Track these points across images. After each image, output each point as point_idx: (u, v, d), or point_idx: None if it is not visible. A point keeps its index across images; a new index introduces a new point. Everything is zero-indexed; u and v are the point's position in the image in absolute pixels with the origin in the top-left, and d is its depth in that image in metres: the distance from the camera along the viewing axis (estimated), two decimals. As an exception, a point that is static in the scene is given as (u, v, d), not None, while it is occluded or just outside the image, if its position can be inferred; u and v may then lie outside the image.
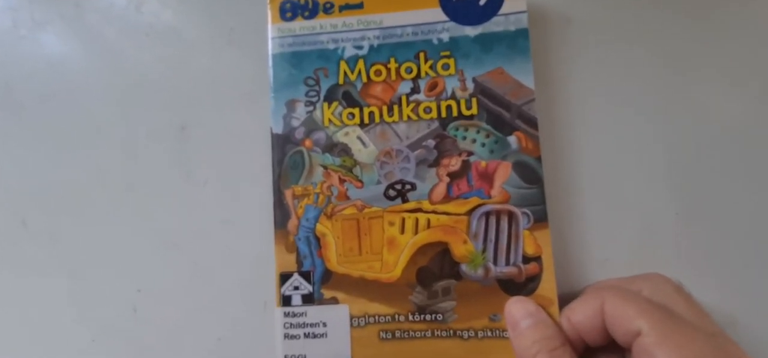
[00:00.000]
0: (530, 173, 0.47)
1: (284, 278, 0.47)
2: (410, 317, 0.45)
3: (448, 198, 0.47)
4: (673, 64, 0.48)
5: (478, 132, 0.47)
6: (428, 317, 0.45)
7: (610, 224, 0.48)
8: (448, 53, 0.47)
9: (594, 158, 0.49)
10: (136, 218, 0.48)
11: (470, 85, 0.47)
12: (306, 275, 0.47)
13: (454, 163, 0.47)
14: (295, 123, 0.48)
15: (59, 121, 0.49)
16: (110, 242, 0.48)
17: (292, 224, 0.48)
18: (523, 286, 0.46)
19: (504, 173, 0.47)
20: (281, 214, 0.48)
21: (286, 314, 0.46)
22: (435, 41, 0.47)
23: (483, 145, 0.47)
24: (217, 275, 0.49)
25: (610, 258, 0.48)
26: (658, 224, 0.48)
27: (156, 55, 0.49)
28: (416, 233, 0.46)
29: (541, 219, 0.46)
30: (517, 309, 0.42)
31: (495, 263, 0.46)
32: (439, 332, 0.45)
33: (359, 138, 0.47)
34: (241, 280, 0.49)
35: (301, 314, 0.46)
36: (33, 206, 0.48)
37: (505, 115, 0.47)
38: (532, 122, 0.47)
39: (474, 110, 0.47)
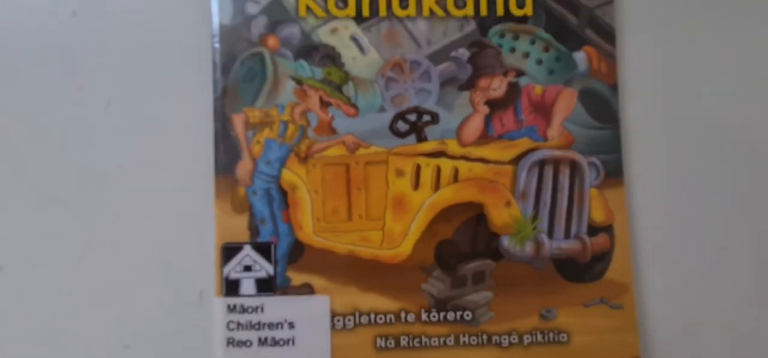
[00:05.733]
0: (602, 107, 0.41)
1: (229, 252, 0.39)
2: (424, 317, 0.39)
3: (486, 138, 0.41)
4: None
5: (532, 43, 0.40)
6: (451, 315, 0.39)
7: (720, 184, 0.41)
8: None
9: (696, 88, 0.42)
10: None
11: (522, -28, 0.41)
12: (264, 249, 0.39)
13: (497, 87, 0.41)
14: (252, 9, 0.40)
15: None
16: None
17: (243, 168, 0.40)
18: (587, 268, 0.40)
19: (567, 105, 0.41)
20: (226, 152, 0.40)
21: (232, 309, 0.39)
22: None
23: (539, 62, 0.40)
24: (124, 250, 0.41)
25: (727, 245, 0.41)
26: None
27: None
28: (437, 189, 0.40)
29: (614, 173, 0.40)
30: None
31: (551, 234, 0.40)
32: (466, 338, 0.39)
33: (354, 39, 0.40)
34: (162, 258, 0.41)
35: (255, 309, 0.38)
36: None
37: (572, 21, 0.41)
38: (608, 34, 0.41)
39: (529, 10, 0.40)
